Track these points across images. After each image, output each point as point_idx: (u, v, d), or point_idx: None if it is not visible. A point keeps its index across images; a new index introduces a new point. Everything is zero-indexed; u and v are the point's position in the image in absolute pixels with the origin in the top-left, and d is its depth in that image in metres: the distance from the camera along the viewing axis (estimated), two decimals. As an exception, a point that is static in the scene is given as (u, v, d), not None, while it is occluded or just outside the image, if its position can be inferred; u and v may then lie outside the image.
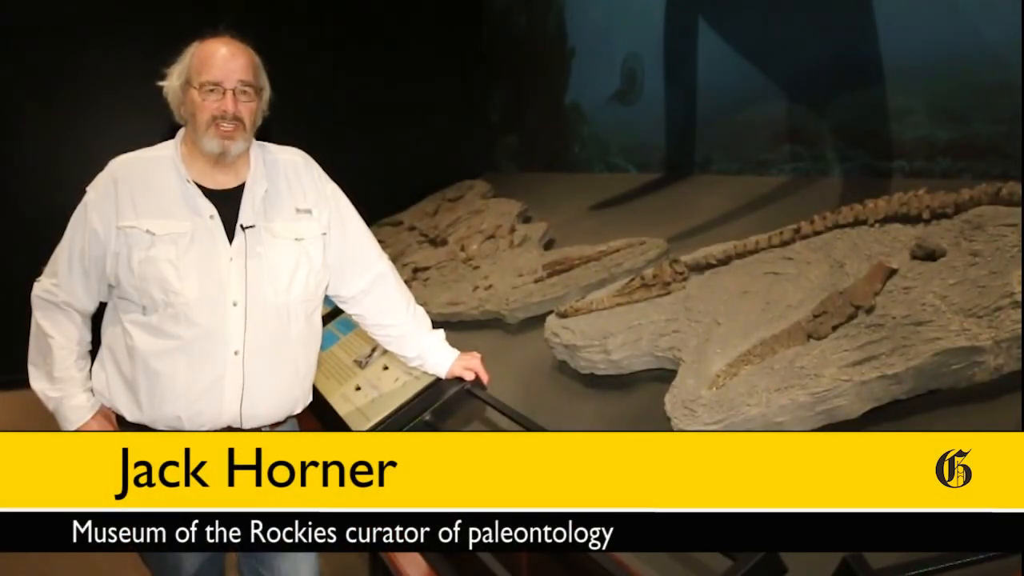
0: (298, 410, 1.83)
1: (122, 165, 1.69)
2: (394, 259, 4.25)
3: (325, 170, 1.87)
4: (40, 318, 1.74)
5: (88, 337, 1.79)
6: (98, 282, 1.71)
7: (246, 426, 1.70)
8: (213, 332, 1.63)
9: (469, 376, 2.03)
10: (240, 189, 1.71)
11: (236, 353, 1.65)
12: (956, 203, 2.06)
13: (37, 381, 1.76)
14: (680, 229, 3.25)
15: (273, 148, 1.80)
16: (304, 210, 1.76)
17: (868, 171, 3.00)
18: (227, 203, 1.69)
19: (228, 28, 1.69)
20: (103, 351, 1.74)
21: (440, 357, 2.03)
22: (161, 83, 1.70)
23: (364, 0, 5.77)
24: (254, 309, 1.66)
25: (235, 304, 1.64)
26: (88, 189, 1.70)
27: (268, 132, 1.79)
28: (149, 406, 1.66)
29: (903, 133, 2.85)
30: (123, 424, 1.72)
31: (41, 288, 1.74)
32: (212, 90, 1.62)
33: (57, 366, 1.72)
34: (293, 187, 1.77)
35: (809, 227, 2.37)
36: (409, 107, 5.85)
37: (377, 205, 5.25)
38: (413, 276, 4.10)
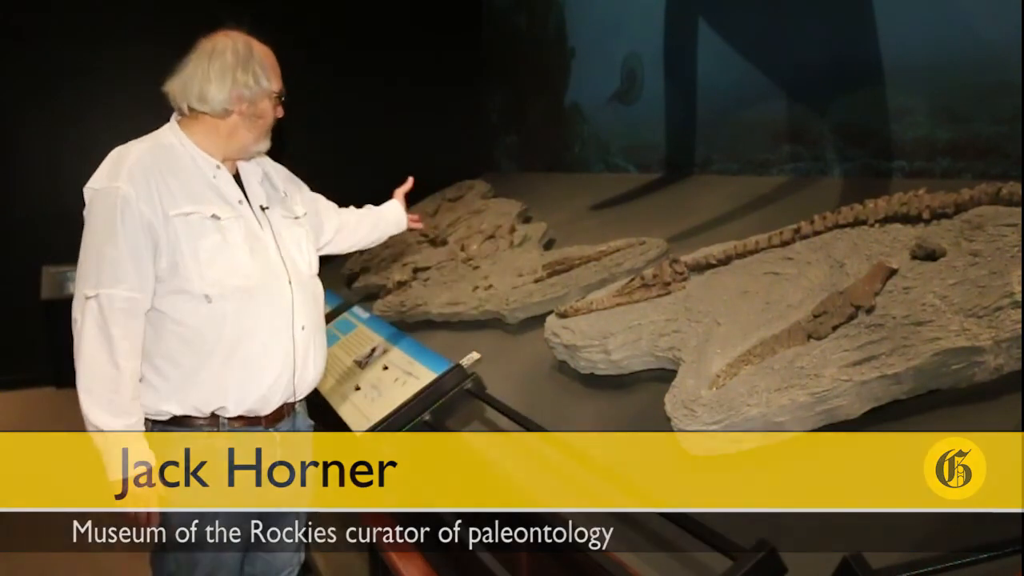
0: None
1: (145, 154, 1.62)
2: (394, 259, 4.26)
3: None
4: (120, 337, 1.52)
5: None
6: (155, 278, 1.60)
7: (303, 395, 1.75)
8: (283, 310, 1.68)
9: (416, 225, 2.39)
10: (235, 177, 1.74)
11: (303, 328, 1.70)
12: (956, 203, 2.06)
13: (97, 411, 1.45)
14: (680, 229, 3.25)
15: None
16: (285, 193, 1.85)
17: (868, 171, 3.00)
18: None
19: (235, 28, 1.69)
20: (160, 369, 1.59)
21: (391, 214, 2.39)
22: (245, 84, 1.64)
23: (364, 1, 5.77)
24: (298, 284, 1.73)
25: (289, 282, 1.71)
26: (117, 184, 1.56)
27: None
28: (238, 390, 1.60)
29: (903, 133, 2.85)
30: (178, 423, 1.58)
31: (119, 300, 1.53)
32: (278, 97, 1.72)
33: (131, 392, 1.52)
34: (270, 175, 1.84)
35: (809, 227, 2.37)
36: (409, 107, 5.85)
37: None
38: (413, 276, 4.09)
